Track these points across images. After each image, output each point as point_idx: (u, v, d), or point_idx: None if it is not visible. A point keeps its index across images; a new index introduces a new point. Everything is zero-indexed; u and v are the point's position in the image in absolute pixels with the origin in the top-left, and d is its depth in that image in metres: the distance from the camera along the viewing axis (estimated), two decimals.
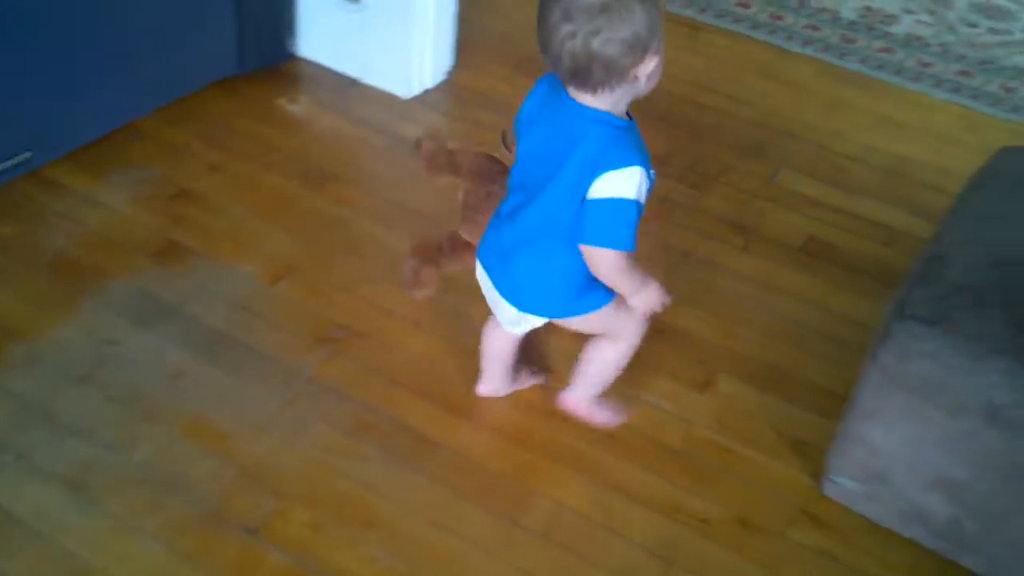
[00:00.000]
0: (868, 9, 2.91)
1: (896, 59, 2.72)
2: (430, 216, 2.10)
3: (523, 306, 1.54)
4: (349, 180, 2.18)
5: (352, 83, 2.44)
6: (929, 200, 2.24)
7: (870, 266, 2.09)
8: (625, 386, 1.78)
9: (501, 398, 1.75)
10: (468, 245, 1.78)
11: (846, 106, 2.56)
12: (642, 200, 1.40)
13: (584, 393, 1.69)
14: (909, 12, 2.91)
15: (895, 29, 2.84)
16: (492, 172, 1.77)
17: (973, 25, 2.88)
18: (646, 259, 1.99)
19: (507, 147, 1.82)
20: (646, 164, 1.38)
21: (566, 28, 1.29)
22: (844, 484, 1.59)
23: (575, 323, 1.59)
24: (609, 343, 1.62)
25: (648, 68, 1.34)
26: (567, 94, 1.39)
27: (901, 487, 1.52)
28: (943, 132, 2.51)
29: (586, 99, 1.37)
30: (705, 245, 2.10)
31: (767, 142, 2.41)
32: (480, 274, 1.60)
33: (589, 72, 1.32)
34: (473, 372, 1.78)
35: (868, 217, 2.21)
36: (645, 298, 1.51)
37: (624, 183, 1.36)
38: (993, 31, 2.86)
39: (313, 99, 2.39)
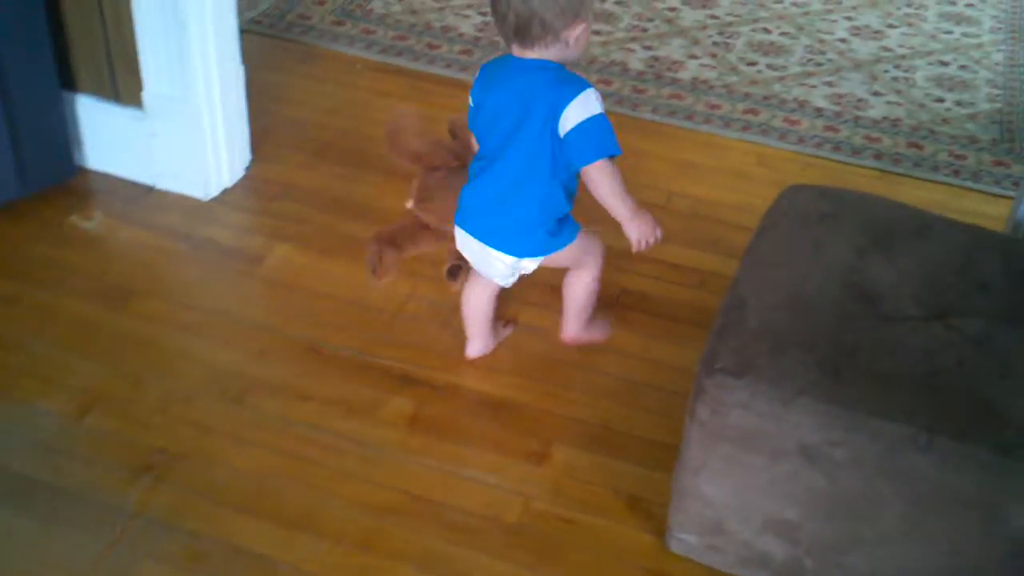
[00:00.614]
0: (655, 58, 3.00)
1: (686, 104, 2.81)
2: (242, 319, 2.04)
3: (520, 252, 1.76)
4: (154, 293, 2.10)
5: (147, 191, 2.36)
6: (732, 238, 2.30)
7: (685, 312, 2.14)
8: (455, 466, 1.77)
9: (336, 501, 1.70)
10: (426, 227, 2.02)
11: (645, 155, 2.63)
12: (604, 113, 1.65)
13: (579, 323, 1.95)
14: (693, 57, 3.02)
15: (682, 75, 2.94)
16: (442, 157, 2.02)
17: (752, 63, 3.02)
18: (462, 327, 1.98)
19: (454, 134, 2.10)
20: (593, 87, 1.65)
21: None
22: (685, 539, 1.60)
23: (559, 258, 1.81)
24: (582, 273, 1.88)
25: (575, 32, 1.63)
26: (512, 55, 1.67)
27: (738, 535, 1.55)
28: (738, 170, 2.60)
29: (527, 54, 1.65)
30: (525, 312, 2.10)
31: None
32: (463, 240, 1.80)
33: (529, 28, 1.60)
34: (302, 478, 1.72)
35: (677, 263, 2.26)
36: (640, 225, 1.72)
37: (585, 105, 1.62)
38: (771, 67, 3.00)
39: (108, 212, 2.30)
